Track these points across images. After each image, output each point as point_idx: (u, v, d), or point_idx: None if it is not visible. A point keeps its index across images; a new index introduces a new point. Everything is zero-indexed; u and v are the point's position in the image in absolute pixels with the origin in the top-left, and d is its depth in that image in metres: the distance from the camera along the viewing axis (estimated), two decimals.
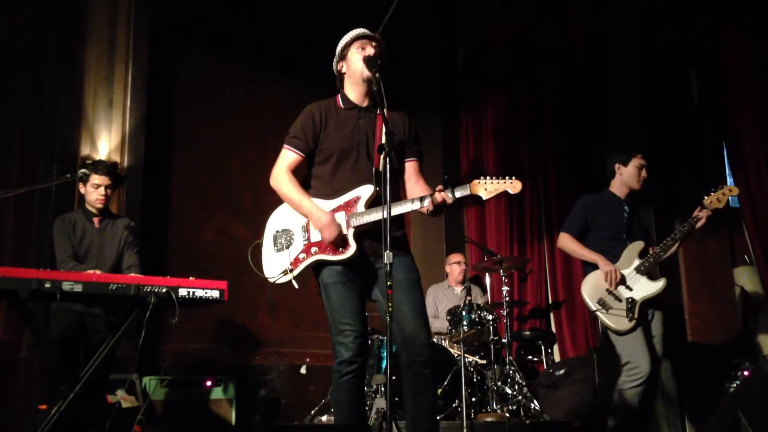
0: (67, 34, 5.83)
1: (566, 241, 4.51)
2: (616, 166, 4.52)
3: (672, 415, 5.15)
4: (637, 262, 4.30)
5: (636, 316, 4.21)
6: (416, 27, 7.80)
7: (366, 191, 3.06)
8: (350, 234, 3.02)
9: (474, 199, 3.00)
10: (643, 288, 4.26)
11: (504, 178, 2.98)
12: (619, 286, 4.28)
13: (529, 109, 7.38)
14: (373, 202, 3.04)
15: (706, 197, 4.26)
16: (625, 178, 4.47)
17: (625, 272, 4.30)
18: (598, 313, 4.28)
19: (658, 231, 5.57)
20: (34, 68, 5.83)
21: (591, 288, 4.34)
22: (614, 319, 4.22)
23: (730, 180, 6.08)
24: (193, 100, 6.50)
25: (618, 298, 4.26)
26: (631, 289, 4.27)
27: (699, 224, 4.24)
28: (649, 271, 4.29)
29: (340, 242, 3.02)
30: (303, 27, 7.10)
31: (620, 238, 4.39)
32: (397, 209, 2.97)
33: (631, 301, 4.23)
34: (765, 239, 5.70)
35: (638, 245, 4.35)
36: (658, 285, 4.27)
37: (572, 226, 4.53)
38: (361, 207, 3.05)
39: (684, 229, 4.25)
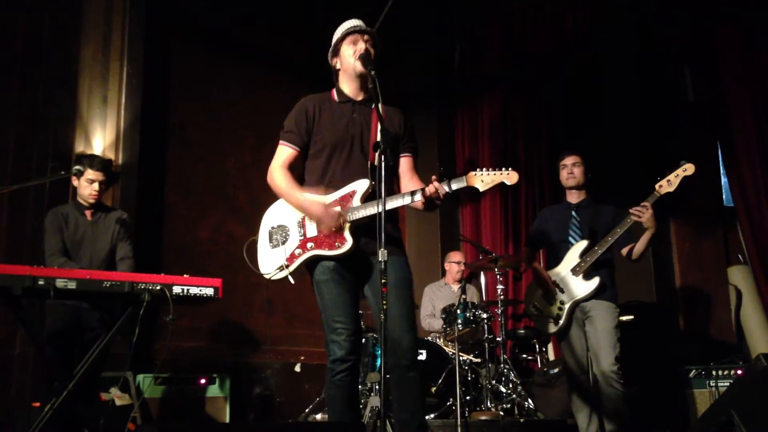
0: (61, 31, 5.82)
1: (525, 255, 4.65)
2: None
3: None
4: (575, 263, 4.21)
5: (563, 319, 4.17)
6: (412, 25, 7.80)
7: (362, 186, 3.04)
8: (346, 228, 3.01)
9: (471, 192, 2.99)
10: (576, 289, 4.17)
11: (500, 169, 2.97)
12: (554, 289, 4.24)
13: (525, 107, 7.37)
14: (369, 197, 3.03)
15: (658, 181, 3.94)
16: (562, 182, 4.45)
17: (560, 274, 4.25)
18: (532, 317, 4.36)
19: None
20: (29, 65, 5.80)
21: (528, 293, 4.48)
22: (542, 324, 4.28)
23: (724, 179, 6.09)
24: (189, 98, 6.48)
25: (550, 302, 4.26)
26: (563, 292, 4.22)
27: (641, 219, 3.91)
28: (587, 271, 4.14)
29: (338, 230, 3.00)
30: (299, 24, 7.09)
31: (566, 240, 4.31)
32: (392, 203, 2.95)
33: (561, 304, 4.21)
34: (759, 238, 5.71)
35: (580, 245, 4.23)
36: (590, 285, 4.13)
37: (528, 240, 4.69)
38: (356, 201, 3.03)
39: (624, 224, 4.00)
